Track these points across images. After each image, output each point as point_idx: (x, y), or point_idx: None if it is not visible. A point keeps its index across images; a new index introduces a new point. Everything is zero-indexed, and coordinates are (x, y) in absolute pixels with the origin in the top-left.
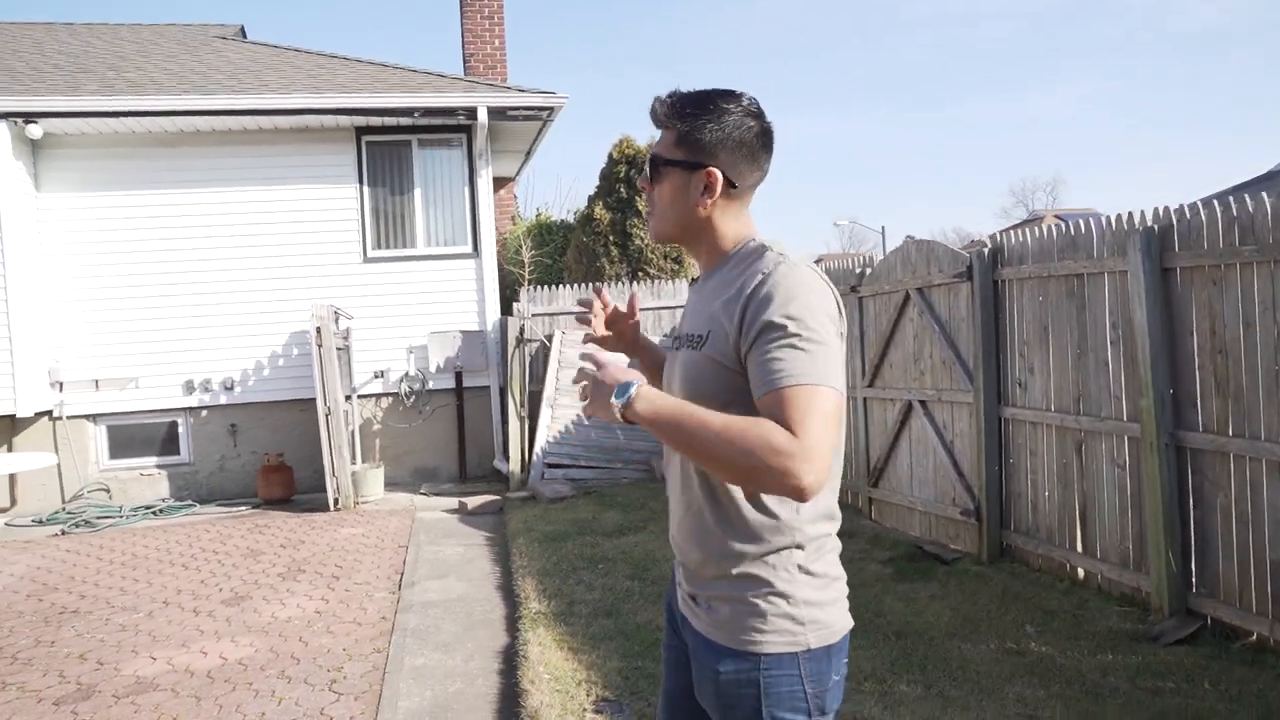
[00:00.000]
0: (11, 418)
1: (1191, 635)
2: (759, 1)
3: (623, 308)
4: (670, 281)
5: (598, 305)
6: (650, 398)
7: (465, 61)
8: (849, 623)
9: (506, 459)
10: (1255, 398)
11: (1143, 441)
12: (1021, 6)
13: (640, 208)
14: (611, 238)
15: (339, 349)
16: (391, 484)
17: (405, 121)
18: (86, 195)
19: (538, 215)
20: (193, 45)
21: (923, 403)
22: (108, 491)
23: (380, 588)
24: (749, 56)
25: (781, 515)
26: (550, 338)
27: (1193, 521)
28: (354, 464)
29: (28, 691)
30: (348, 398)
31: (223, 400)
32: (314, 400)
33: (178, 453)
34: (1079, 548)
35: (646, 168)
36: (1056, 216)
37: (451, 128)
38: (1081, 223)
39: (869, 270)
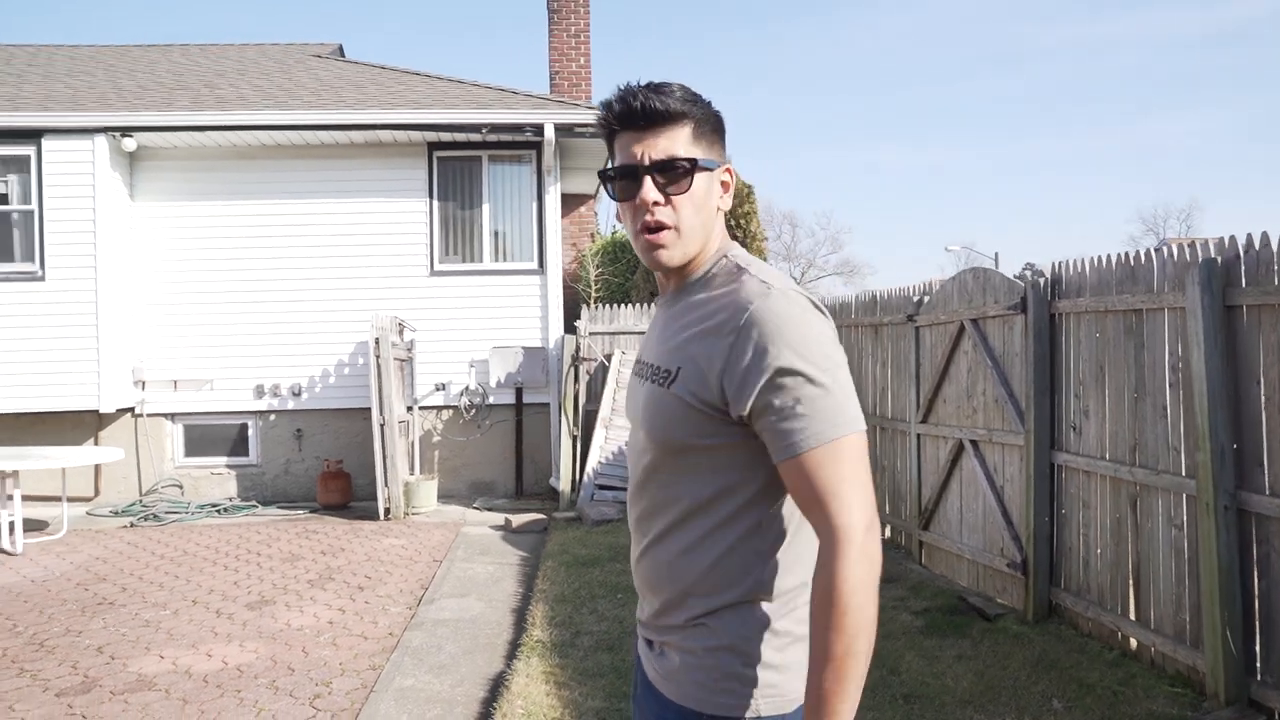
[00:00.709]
0: (96, 413)
1: None
2: (876, 28)
3: None
4: None
5: None
6: None
7: (551, 79)
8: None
9: (560, 477)
10: None
11: (1199, 500)
12: (1154, 32)
13: None
14: None
15: (403, 360)
16: (447, 496)
17: (475, 137)
18: (174, 204)
19: (613, 233)
20: (288, 64)
21: (974, 442)
22: (180, 487)
23: (399, 602)
24: (860, 85)
25: (751, 561)
26: (610, 357)
27: (1257, 597)
28: (411, 474)
29: (38, 680)
30: (409, 409)
31: (290, 405)
32: None
33: (246, 454)
34: (1132, 614)
35: (653, 176)
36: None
37: (521, 144)
38: (1142, 252)
39: (926, 298)
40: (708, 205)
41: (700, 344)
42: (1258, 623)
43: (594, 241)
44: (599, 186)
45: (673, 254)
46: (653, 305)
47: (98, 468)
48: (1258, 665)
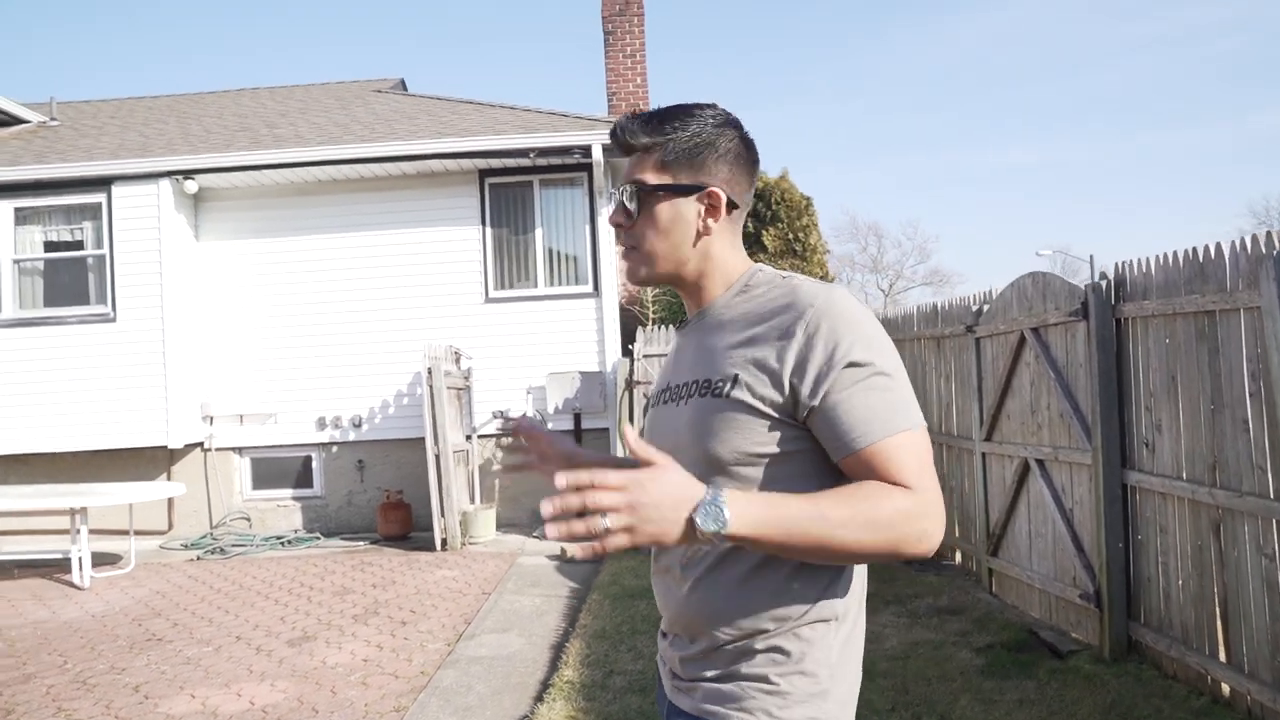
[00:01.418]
0: (165, 449)
1: None
2: (963, 32)
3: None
4: None
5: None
6: (744, 510)
7: (608, 100)
8: None
9: None
10: None
11: None
12: (1249, 18)
13: (766, 243)
14: None
15: (459, 388)
16: (509, 525)
17: (525, 162)
18: (237, 243)
19: None
20: (348, 100)
21: (1039, 462)
22: (249, 520)
23: (439, 638)
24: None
25: (813, 582)
26: None
27: None
28: (471, 504)
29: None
30: (468, 437)
31: (351, 437)
32: None
33: (311, 485)
34: (1221, 655)
35: (619, 198)
36: None
37: (571, 166)
38: (1211, 246)
39: (986, 307)
40: (676, 229)
41: (761, 347)
42: None
43: None
44: None
45: (637, 272)
46: None
47: (170, 502)
48: None
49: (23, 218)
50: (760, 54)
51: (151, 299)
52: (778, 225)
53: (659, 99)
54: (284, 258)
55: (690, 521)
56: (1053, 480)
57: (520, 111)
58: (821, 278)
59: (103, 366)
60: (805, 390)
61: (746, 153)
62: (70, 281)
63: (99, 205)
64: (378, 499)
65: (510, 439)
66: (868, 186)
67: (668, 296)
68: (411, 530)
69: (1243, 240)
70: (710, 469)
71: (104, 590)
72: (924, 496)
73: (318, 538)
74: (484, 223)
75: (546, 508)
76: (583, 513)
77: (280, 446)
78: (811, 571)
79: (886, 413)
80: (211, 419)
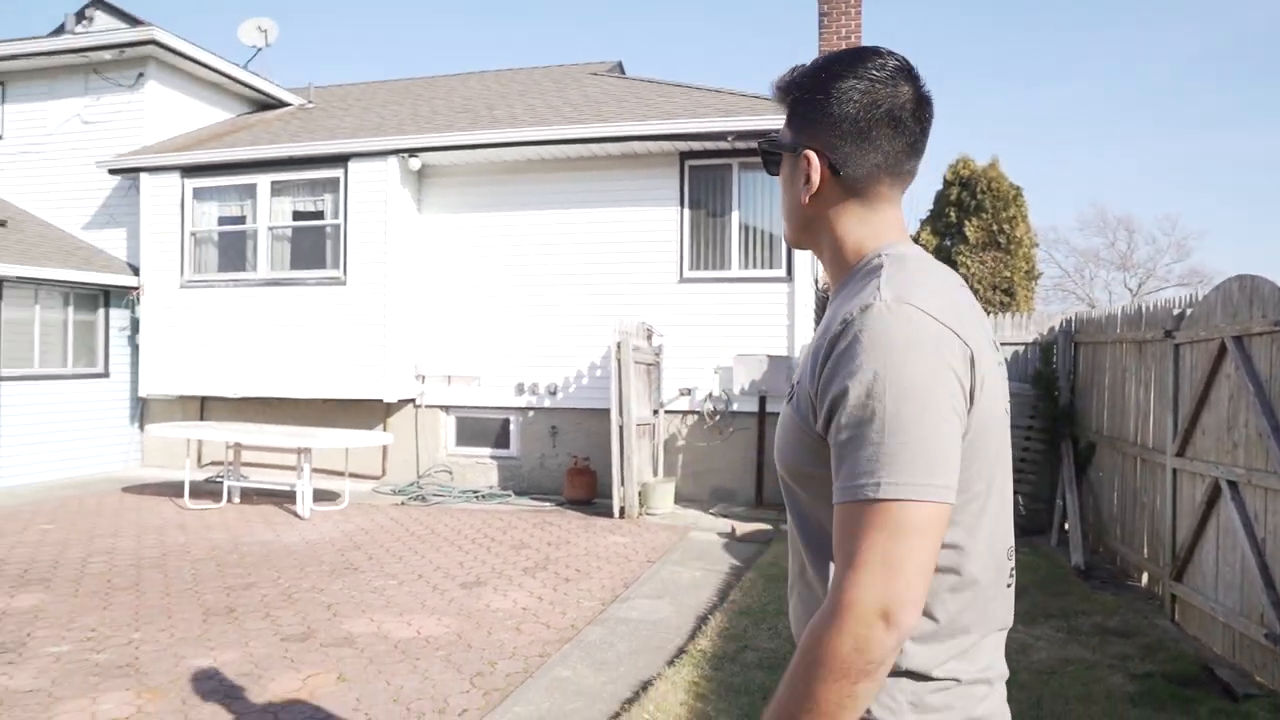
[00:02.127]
0: (381, 403)
1: None
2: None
3: None
4: (993, 316)
5: None
6: None
7: None
8: None
9: None
10: None
11: None
12: None
13: (969, 234)
14: None
15: (649, 364)
16: (688, 500)
17: (724, 145)
18: (452, 216)
19: None
20: (564, 82)
21: (1232, 484)
22: (450, 473)
23: (596, 597)
24: (1221, 71)
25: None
26: None
27: None
28: (653, 476)
29: (274, 625)
30: (655, 412)
31: (546, 404)
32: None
33: (508, 446)
34: None
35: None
36: None
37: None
38: None
39: (1189, 311)
40: (789, 192)
41: (811, 355)
42: None
43: None
44: None
45: (786, 234)
46: None
47: (385, 450)
48: None
49: (277, 190)
50: (1006, 33)
51: (377, 265)
52: (981, 216)
53: None
54: (494, 231)
55: None
56: (1245, 505)
57: (725, 94)
58: (1027, 273)
59: (333, 325)
60: (822, 420)
61: (869, 115)
62: (310, 247)
63: (337, 180)
64: (567, 463)
65: None
66: (1117, 175)
67: None
68: (595, 496)
69: None
70: (786, 476)
71: (320, 522)
72: (850, 579)
73: (509, 495)
74: (682, 204)
75: None
76: None
77: (482, 408)
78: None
79: (859, 474)
80: (423, 378)
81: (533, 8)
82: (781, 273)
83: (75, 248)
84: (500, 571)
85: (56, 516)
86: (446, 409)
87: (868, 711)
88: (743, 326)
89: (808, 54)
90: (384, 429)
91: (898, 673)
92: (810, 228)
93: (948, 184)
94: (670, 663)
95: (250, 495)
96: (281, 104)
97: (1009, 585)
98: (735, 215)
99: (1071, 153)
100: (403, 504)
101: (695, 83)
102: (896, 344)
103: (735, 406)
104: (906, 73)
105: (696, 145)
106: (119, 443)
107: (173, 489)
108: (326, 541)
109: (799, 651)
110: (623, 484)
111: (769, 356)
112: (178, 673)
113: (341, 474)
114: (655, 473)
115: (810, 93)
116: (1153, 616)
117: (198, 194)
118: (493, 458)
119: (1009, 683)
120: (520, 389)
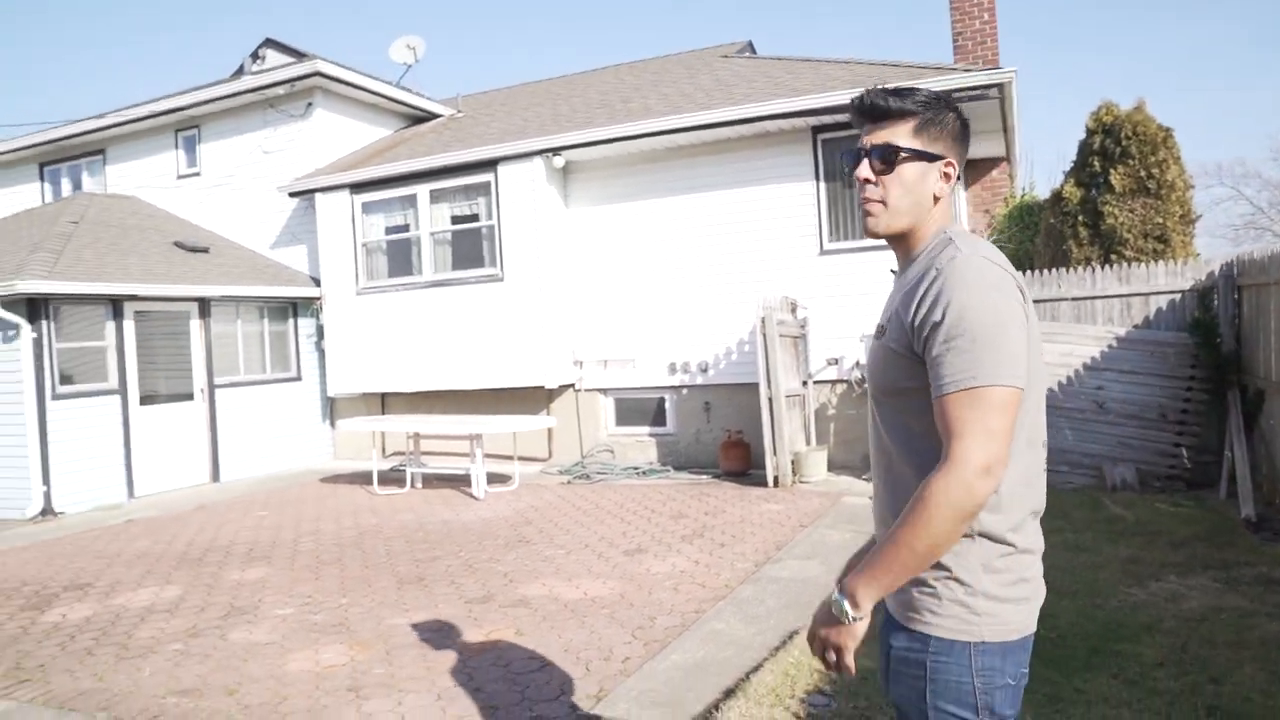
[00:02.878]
0: (543, 389)
1: None
2: None
3: None
4: (1144, 265)
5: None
6: (857, 591)
7: (954, 41)
8: (1031, 627)
9: None
10: None
11: None
12: None
13: (1114, 182)
14: (1081, 218)
15: (795, 337)
16: (841, 467)
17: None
18: (598, 208)
19: (1021, 195)
20: (696, 68)
21: None
22: (612, 452)
23: (749, 559)
24: None
25: None
26: None
27: None
28: (805, 445)
29: (458, 591)
30: (804, 383)
31: (699, 381)
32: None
33: (664, 424)
34: None
35: (867, 157)
36: None
37: None
38: None
39: None
40: (919, 189)
41: (903, 300)
42: None
43: (1006, 205)
44: (1007, 148)
45: (878, 223)
46: (1043, 273)
47: (549, 433)
48: None
49: (435, 197)
50: None
51: (530, 261)
52: (1127, 162)
53: (1008, 37)
54: (637, 219)
55: (841, 623)
56: None
57: (852, 65)
58: (1181, 217)
59: (494, 319)
60: (920, 342)
61: (962, 132)
62: (469, 248)
63: (489, 183)
64: (721, 437)
65: None
66: None
67: (1002, 243)
68: (750, 468)
69: None
70: (880, 394)
71: (494, 502)
72: (959, 446)
73: (668, 470)
74: (817, 178)
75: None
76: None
77: (638, 389)
78: None
79: (953, 371)
80: (581, 363)
81: None
82: None
83: (265, 265)
84: (660, 539)
85: (269, 505)
86: (604, 391)
87: (950, 571)
88: (885, 294)
89: (938, 16)
90: (547, 413)
91: (973, 535)
92: (923, 221)
93: (1090, 132)
94: None
95: (430, 480)
96: (433, 116)
97: (1044, 471)
98: None
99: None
100: (568, 483)
101: (824, 55)
102: (974, 281)
103: None
104: (957, 106)
105: (828, 119)
106: (314, 438)
107: (362, 478)
108: (500, 519)
109: (916, 502)
110: (774, 454)
111: None
112: (381, 630)
113: (511, 458)
114: (807, 442)
115: (937, 115)
116: None
117: (365, 208)
118: (650, 435)
119: (1156, 630)
120: (673, 368)
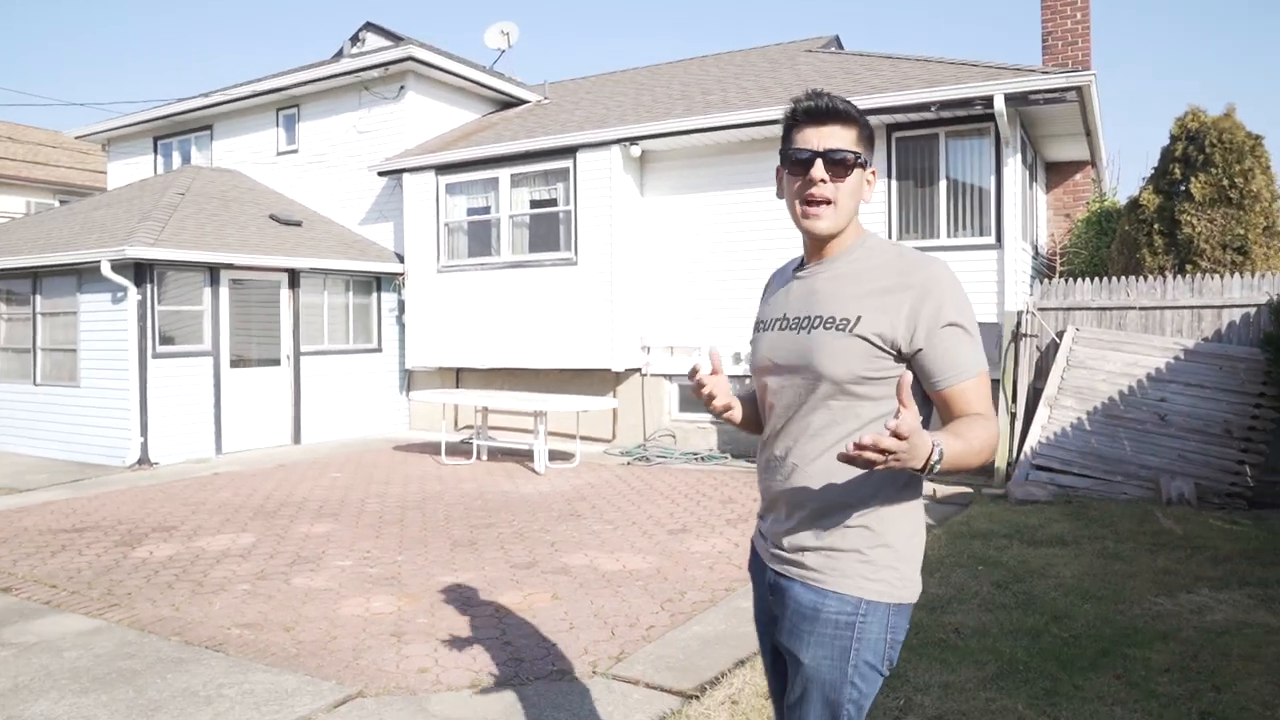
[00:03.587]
0: (610, 372)
1: None
2: None
3: (714, 364)
4: (1218, 277)
5: (708, 366)
6: (946, 459)
7: (1044, 40)
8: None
9: (996, 454)
10: None
11: None
12: None
13: (1194, 191)
14: (1157, 225)
15: None
16: None
17: (929, 116)
18: (672, 198)
19: (1102, 201)
20: (779, 62)
21: None
22: (673, 437)
23: None
24: None
25: (898, 472)
26: (1062, 334)
27: None
28: None
29: (507, 555)
30: None
31: None
32: None
33: None
34: None
35: (822, 158)
36: None
37: (978, 117)
38: None
39: None
40: (859, 194)
41: (883, 297)
42: None
43: (1088, 209)
44: (1092, 152)
45: (826, 224)
46: (1111, 280)
47: (614, 415)
48: None
49: (516, 181)
50: None
51: (604, 246)
52: (1210, 171)
53: (1101, 36)
54: (710, 210)
55: (927, 459)
56: None
57: (931, 63)
58: (1266, 229)
59: (567, 302)
60: (915, 336)
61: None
62: (545, 232)
63: (567, 170)
64: None
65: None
66: None
67: (1077, 249)
68: None
69: None
70: (836, 382)
71: (553, 477)
72: (993, 420)
73: (726, 457)
74: (889, 175)
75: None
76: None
77: None
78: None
79: (967, 362)
80: (648, 349)
81: None
82: (991, 240)
83: (353, 241)
84: (705, 521)
85: (344, 468)
86: (669, 377)
87: (883, 539)
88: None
89: (1030, 17)
90: (613, 396)
91: (908, 501)
92: (851, 220)
93: (1173, 139)
94: None
95: (496, 454)
96: (520, 101)
97: None
98: (943, 184)
99: None
100: (627, 464)
101: (905, 53)
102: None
103: None
104: None
105: (901, 117)
106: (391, 408)
107: (433, 448)
108: (557, 493)
109: (986, 434)
110: None
111: (979, 324)
112: (429, 585)
113: (574, 437)
114: None
115: (868, 126)
116: None
117: (449, 189)
118: (712, 422)
119: (1171, 638)
120: (737, 358)
